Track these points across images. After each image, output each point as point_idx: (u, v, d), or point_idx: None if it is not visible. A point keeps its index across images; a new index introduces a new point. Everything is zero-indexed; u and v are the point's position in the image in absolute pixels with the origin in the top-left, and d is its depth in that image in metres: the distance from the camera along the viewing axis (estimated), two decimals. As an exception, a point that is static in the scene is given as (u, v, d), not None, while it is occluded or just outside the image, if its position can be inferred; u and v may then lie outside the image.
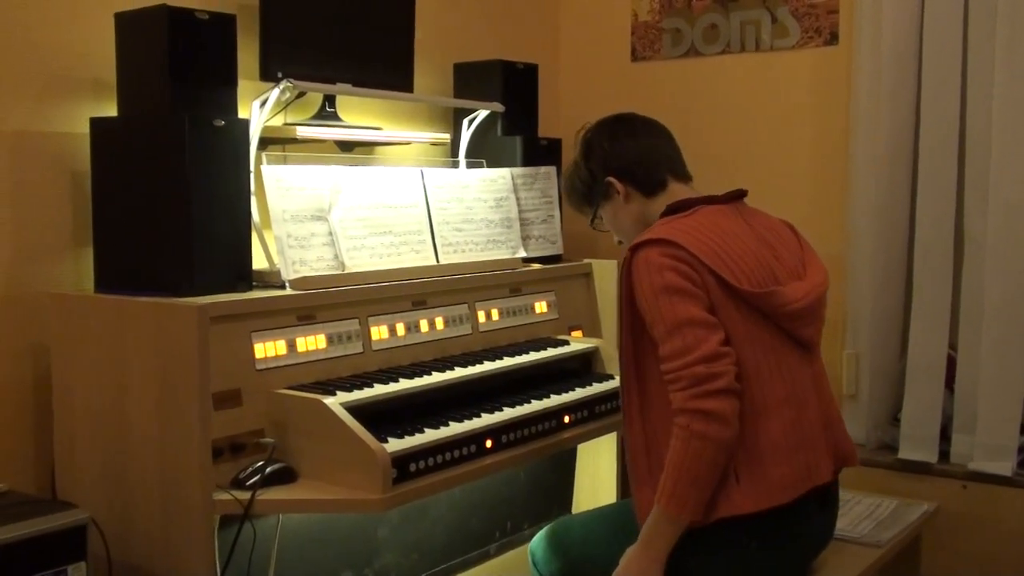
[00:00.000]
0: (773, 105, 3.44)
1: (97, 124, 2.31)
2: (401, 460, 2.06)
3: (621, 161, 2.19)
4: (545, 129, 3.40)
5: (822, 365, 2.14)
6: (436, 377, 2.37)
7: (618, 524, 2.19)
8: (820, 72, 3.35)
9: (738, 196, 2.17)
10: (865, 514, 2.55)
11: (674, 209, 2.10)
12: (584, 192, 2.27)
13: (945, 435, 3.08)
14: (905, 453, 3.08)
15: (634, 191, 2.19)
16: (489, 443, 2.29)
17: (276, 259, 2.36)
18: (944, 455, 3.07)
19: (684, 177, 2.22)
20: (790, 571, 2.09)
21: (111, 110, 2.34)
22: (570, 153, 3.36)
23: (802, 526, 2.05)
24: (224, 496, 2.02)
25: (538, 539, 2.31)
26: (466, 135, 3.13)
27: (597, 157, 2.22)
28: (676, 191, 2.17)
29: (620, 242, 2.29)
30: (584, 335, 3.01)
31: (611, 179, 2.19)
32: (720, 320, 1.94)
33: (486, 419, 2.30)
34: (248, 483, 2.04)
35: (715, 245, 1.99)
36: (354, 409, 2.11)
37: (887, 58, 3.09)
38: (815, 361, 2.10)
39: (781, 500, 1.94)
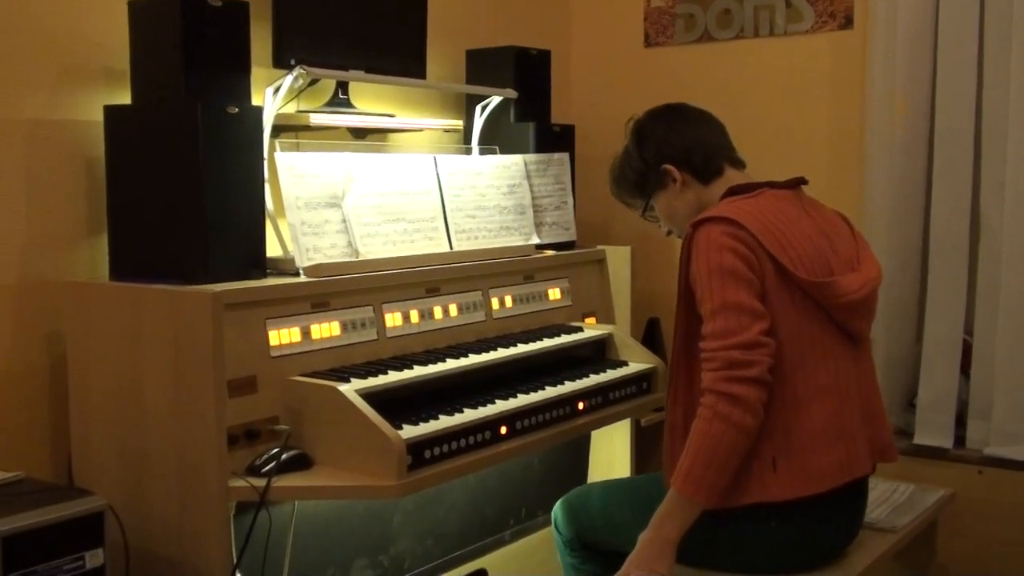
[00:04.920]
0: (788, 91, 3.42)
1: (111, 112, 2.31)
2: (416, 447, 2.07)
3: (677, 148, 2.17)
4: (558, 115, 3.39)
5: (870, 359, 2.14)
6: (450, 364, 2.37)
7: (636, 496, 2.21)
8: (835, 57, 3.33)
9: (798, 183, 2.16)
10: (881, 499, 2.54)
11: (736, 191, 2.09)
12: (636, 181, 2.23)
13: (961, 420, 3.08)
14: (921, 438, 3.07)
15: (691, 178, 2.17)
16: (504, 430, 2.29)
17: (290, 246, 2.36)
18: (960, 440, 3.06)
19: (739, 164, 2.21)
20: (819, 559, 2.08)
21: (125, 98, 2.34)
22: (585, 139, 3.38)
23: (835, 515, 2.05)
24: (240, 483, 2.03)
25: (559, 504, 2.35)
26: (479, 122, 3.12)
27: (652, 145, 2.19)
28: (732, 178, 2.16)
29: (669, 232, 2.28)
30: (598, 322, 3.00)
31: (668, 167, 2.17)
32: (772, 306, 1.94)
33: (500, 406, 2.30)
34: (264, 470, 2.04)
35: (776, 229, 1.98)
36: (369, 396, 2.11)
37: (902, 42, 3.07)
38: (863, 354, 2.10)
39: (817, 489, 1.95)
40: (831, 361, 2.01)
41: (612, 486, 2.38)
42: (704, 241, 1.97)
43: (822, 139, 3.36)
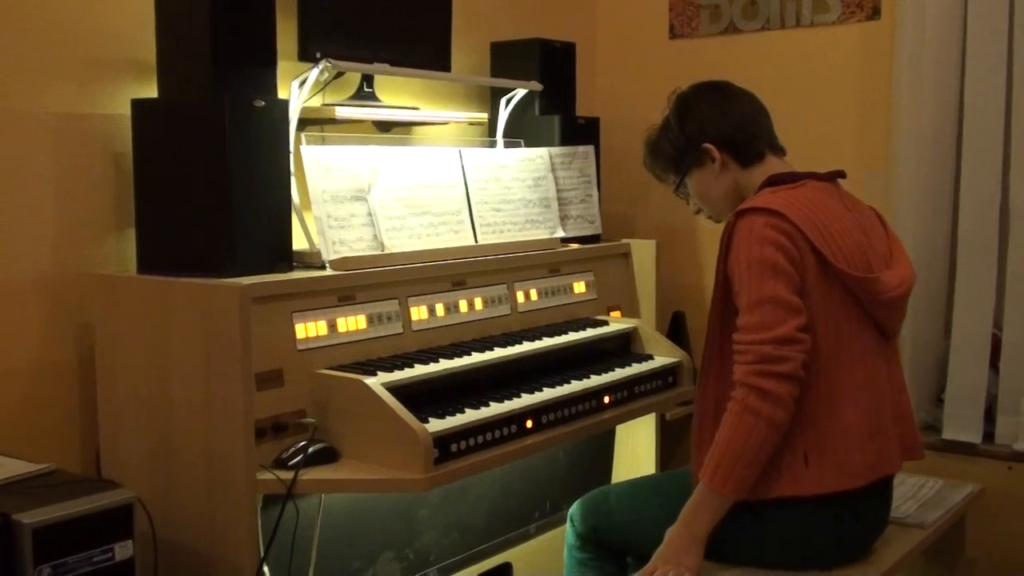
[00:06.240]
0: (814, 82, 3.39)
1: (138, 106, 2.31)
2: (443, 440, 2.07)
3: (722, 127, 2.11)
4: (583, 108, 3.38)
5: (899, 355, 2.12)
6: (476, 358, 2.37)
7: (657, 493, 2.21)
8: (862, 48, 3.30)
9: (836, 176, 2.14)
10: (909, 495, 2.52)
11: (778, 180, 2.05)
12: (673, 156, 2.17)
13: (990, 416, 3.05)
14: (949, 434, 3.05)
15: (731, 160, 2.12)
16: (529, 423, 2.29)
17: (316, 239, 2.36)
18: (989, 436, 3.03)
19: (780, 150, 2.17)
20: (847, 554, 2.07)
21: (152, 92, 2.35)
22: (610, 132, 3.37)
23: (863, 510, 2.04)
24: (267, 476, 2.03)
25: (577, 503, 2.34)
26: (504, 114, 3.11)
27: (695, 121, 2.13)
28: (772, 164, 2.12)
29: (698, 211, 2.24)
30: (623, 315, 2.99)
31: (708, 145, 2.11)
32: (813, 300, 1.92)
33: (526, 399, 2.30)
34: (291, 463, 2.05)
35: (820, 223, 1.95)
36: (395, 389, 2.11)
37: (931, 32, 3.04)
38: (892, 352, 2.09)
39: (848, 485, 1.94)
40: (867, 358, 1.99)
41: (633, 484, 2.37)
42: (746, 232, 1.93)
43: (849, 132, 3.33)
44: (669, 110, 2.19)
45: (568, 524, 2.35)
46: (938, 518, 2.39)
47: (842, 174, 2.15)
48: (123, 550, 1.86)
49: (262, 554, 2.07)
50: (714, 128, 2.12)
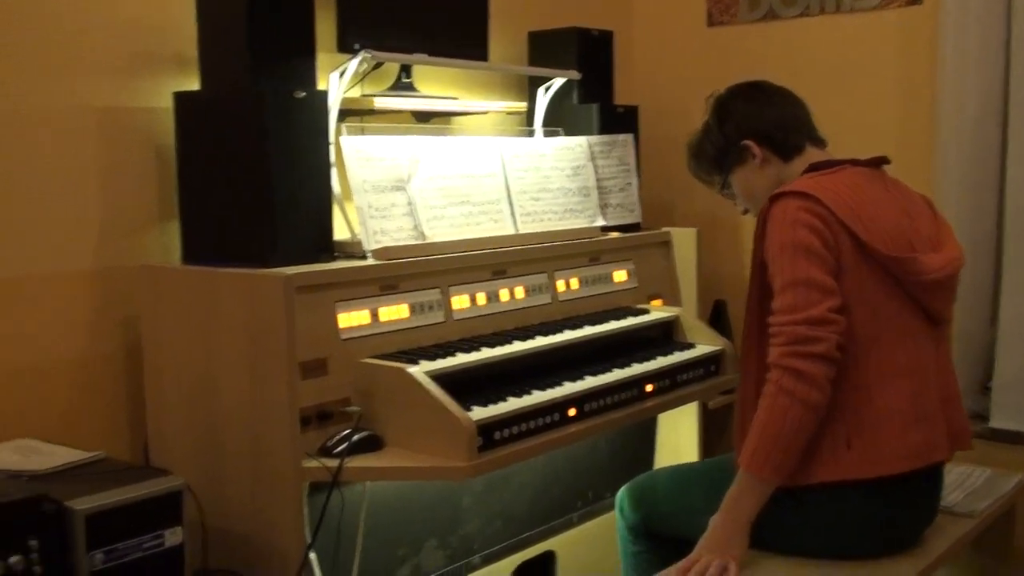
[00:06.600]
0: (855, 69, 3.36)
1: (180, 98, 2.33)
2: (486, 428, 2.07)
3: (760, 124, 2.15)
4: (621, 96, 3.37)
5: (949, 342, 2.11)
6: (518, 346, 2.37)
7: (701, 481, 2.20)
8: (903, 34, 3.26)
9: (880, 162, 2.14)
10: (957, 484, 2.49)
11: (817, 167, 2.08)
12: (715, 157, 2.22)
13: (1038, 403, 3.01)
14: (997, 422, 3.02)
15: (771, 155, 2.15)
16: (572, 412, 2.28)
17: (357, 229, 2.37)
18: (1037, 424, 3.00)
19: (820, 142, 2.19)
20: (894, 544, 2.06)
21: (194, 84, 2.37)
22: (649, 120, 3.36)
23: (910, 499, 2.02)
24: (313, 463, 2.05)
25: (624, 489, 2.34)
26: (542, 103, 3.11)
27: (733, 121, 2.18)
28: (813, 156, 2.14)
29: (746, 211, 2.26)
30: (664, 304, 2.98)
31: (748, 142, 2.15)
32: (849, 282, 1.92)
33: (569, 388, 2.30)
34: (336, 451, 2.06)
35: (855, 205, 1.96)
36: (438, 378, 2.11)
37: (974, 17, 3.00)
38: (941, 337, 2.07)
39: (891, 470, 1.92)
40: (910, 341, 1.97)
41: (680, 470, 2.37)
42: (780, 215, 1.95)
43: (891, 119, 3.29)
44: (708, 114, 2.24)
45: (617, 512, 2.36)
46: (987, 507, 2.36)
47: (885, 160, 2.14)
48: (173, 536, 1.88)
49: (308, 541, 2.09)
50: (752, 125, 2.16)
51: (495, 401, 2.16)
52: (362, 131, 2.55)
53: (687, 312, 2.90)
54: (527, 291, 2.61)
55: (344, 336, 2.18)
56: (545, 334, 2.46)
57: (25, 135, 2.22)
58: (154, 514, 1.85)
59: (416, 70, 2.81)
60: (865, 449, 1.92)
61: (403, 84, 2.77)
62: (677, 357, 2.61)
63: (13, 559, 1.66)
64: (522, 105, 3.08)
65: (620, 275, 2.89)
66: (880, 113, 3.31)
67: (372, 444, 2.11)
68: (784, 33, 3.49)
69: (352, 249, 2.37)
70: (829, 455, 1.92)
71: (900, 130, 3.27)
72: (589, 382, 2.35)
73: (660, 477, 2.35)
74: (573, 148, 2.90)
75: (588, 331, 2.56)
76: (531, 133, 3.08)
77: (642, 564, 2.29)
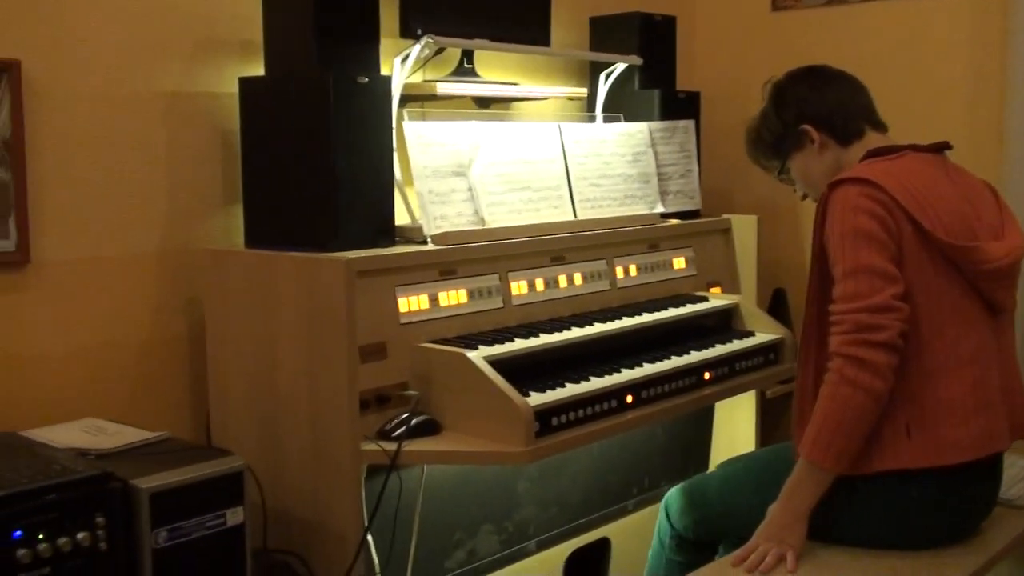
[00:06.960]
0: (922, 55, 3.29)
1: (245, 84, 2.36)
2: (543, 414, 2.08)
3: (818, 109, 2.13)
4: (683, 82, 3.34)
5: (1012, 331, 2.07)
6: (575, 332, 2.37)
7: (754, 477, 2.18)
8: (973, 18, 3.19)
9: (942, 148, 2.11)
10: (1018, 477, 2.44)
11: (877, 153, 2.05)
12: (772, 143, 2.20)
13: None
14: (1063, 415, 2.94)
15: (830, 140, 2.13)
16: (630, 398, 2.28)
17: (418, 214, 2.39)
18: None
19: (880, 127, 2.16)
20: (953, 535, 2.03)
21: (258, 69, 2.40)
22: (711, 106, 3.32)
23: (969, 490, 1.99)
24: (371, 446, 2.07)
25: (674, 492, 2.32)
26: (603, 89, 3.10)
27: (791, 106, 2.16)
28: (873, 140, 2.11)
29: (805, 196, 2.24)
30: (723, 291, 2.96)
31: (807, 127, 2.13)
32: (910, 269, 1.90)
33: (627, 374, 2.30)
34: (394, 434, 2.08)
35: (916, 191, 1.93)
36: (496, 363, 2.12)
37: (1049, 0, 2.92)
38: (1004, 325, 2.04)
39: (951, 460, 1.90)
40: (971, 330, 1.94)
41: (731, 474, 2.32)
42: (840, 202, 1.93)
43: (960, 105, 3.22)
44: (765, 100, 2.22)
45: (662, 513, 2.34)
46: (1051, 502, 2.32)
47: (948, 145, 2.10)
48: (234, 516, 1.91)
49: (366, 523, 2.11)
50: (810, 110, 2.14)
51: (553, 387, 2.17)
52: (423, 116, 2.56)
53: (746, 300, 2.88)
54: (586, 277, 2.60)
55: (403, 320, 2.20)
56: (603, 321, 2.46)
57: (96, 120, 2.26)
58: (216, 494, 1.88)
59: (478, 55, 2.81)
60: (925, 438, 1.90)
61: (465, 70, 2.78)
62: (736, 345, 2.60)
63: (80, 535, 1.70)
64: (583, 91, 3.07)
65: (679, 262, 2.87)
66: (949, 100, 3.24)
67: (430, 428, 2.13)
68: (850, 17, 3.43)
69: (412, 234, 2.39)
70: (889, 444, 1.90)
71: (969, 116, 3.21)
72: (647, 369, 2.35)
73: (712, 482, 2.32)
74: (634, 134, 2.89)
75: (646, 318, 2.55)
76: (592, 119, 3.07)
77: (674, 574, 2.28)
